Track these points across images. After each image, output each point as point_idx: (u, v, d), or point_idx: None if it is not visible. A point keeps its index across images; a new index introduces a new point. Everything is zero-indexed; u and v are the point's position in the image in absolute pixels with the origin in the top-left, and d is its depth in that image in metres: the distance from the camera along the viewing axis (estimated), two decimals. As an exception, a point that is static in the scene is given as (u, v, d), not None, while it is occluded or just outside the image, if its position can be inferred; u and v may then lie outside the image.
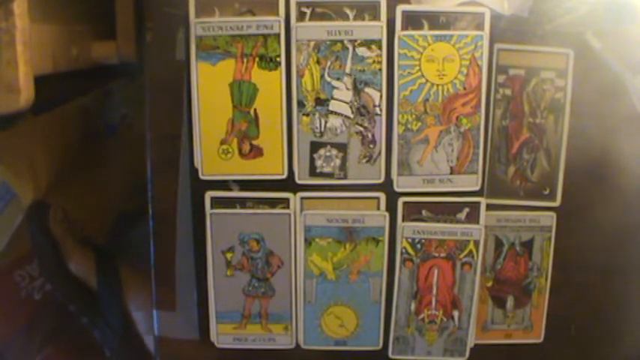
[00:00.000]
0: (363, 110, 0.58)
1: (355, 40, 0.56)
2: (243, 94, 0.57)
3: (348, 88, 0.57)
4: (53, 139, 0.73)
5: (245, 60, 0.57)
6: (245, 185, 0.59)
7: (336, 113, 0.58)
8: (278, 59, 0.57)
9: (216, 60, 0.57)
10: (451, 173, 0.59)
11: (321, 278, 0.60)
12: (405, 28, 0.56)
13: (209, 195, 0.59)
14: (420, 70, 0.57)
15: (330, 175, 0.59)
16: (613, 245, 0.63)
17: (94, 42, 0.65)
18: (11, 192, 0.67)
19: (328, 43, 0.56)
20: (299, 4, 0.56)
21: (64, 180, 0.74)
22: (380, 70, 0.57)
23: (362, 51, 0.57)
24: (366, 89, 0.57)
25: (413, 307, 0.61)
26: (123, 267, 0.72)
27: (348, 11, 0.56)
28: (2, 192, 0.67)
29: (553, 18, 0.59)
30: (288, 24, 0.56)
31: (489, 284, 0.63)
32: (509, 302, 0.63)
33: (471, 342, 0.62)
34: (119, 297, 0.70)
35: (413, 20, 0.57)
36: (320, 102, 0.58)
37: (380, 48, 0.57)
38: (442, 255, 0.60)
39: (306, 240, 0.59)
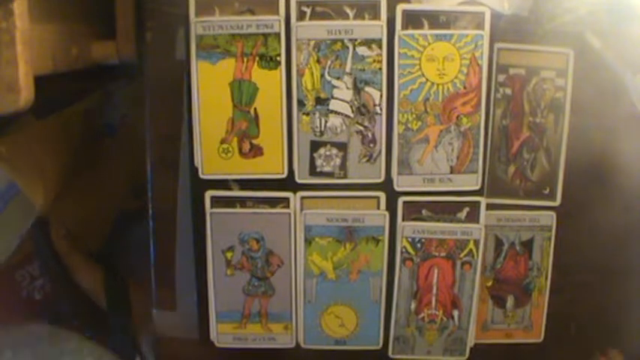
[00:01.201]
0: (363, 109, 0.58)
1: (355, 40, 0.56)
2: (243, 94, 0.57)
3: (348, 88, 0.57)
4: (59, 143, 0.73)
5: (245, 59, 0.57)
6: (245, 184, 0.59)
7: (336, 112, 0.58)
8: (278, 58, 0.57)
9: (217, 59, 0.57)
10: (451, 172, 0.59)
11: (321, 278, 0.60)
12: (405, 27, 0.57)
13: (209, 194, 0.59)
14: (420, 69, 0.57)
15: (330, 175, 0.59)
16: (613, 245, 0.63)
17: (94, 42, 0.65)
18: (14, 189, 0.67)
19: (328, 42, 0.57)
20: (299, 4, 0.56)
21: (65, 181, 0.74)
22: (380, 69, 0.57)
23: (362, 50, 0.57)
24: (367, 88, 0.57)
25: (413, 306, 0.61)
26: (131, 283, 0.72)
27: (348, 10, 0.56)
28: (8, 189, 0.67)
29: (553, 17, 0.59)
30: (289, 23, 0.56)
31: (489, 284, 0.63)
32: (509, 302, 0.63)
33: (470, 341, 0.62)
34: (127, 313, 0.70)
35: (413, 19, 0.57)
36: (320, 101, 0.58)
37: (380, 47, 0.57)
38: (442, 254, 0.60)
39: (306, 239, 0.59)
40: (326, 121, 0.58)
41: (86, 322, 0.71)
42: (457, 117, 0.58)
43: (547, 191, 0.62)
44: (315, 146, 0.58)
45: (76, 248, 0.72)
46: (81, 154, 0.78)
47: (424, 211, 0.59)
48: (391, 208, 0.59)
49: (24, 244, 0.71)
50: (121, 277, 0.73)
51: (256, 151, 0.58)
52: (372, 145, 0.58)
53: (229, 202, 0.59)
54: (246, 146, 0.58)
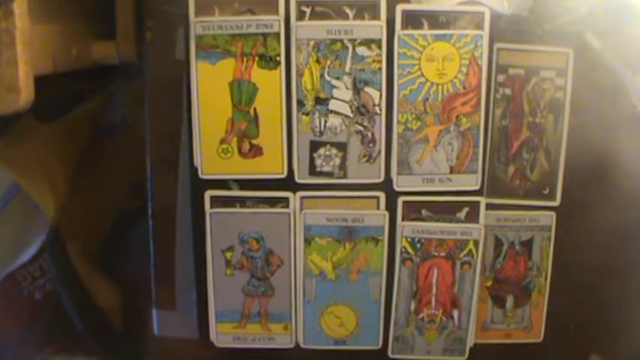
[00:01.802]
0: (362, 109, 0.58)
1: (355, 40, 0.56)
2: (242, 94, 0.57)
3: (347, 88, 0.57)
4: (65, 145, 0.73)
5: (245, 59, 0.57)
6: (245, 184, 0.59)
7: (335, 112, 0.58)
8: (278, 58, 0.57)
9: (216, 59, 0.57)
10: (451, 172, 0.59)
11: (321, 277, 0.60)
12: (404, 27, 0.57)
13: (209, 194, 0.59)
14: (419, 69, 0.57)
15: (329, 175, 0.59)
16: (613, 245, 0.63)
17: (94, 42, 0.65)
18: (14, 189, 0.67)
19: (328, 42, 0.57)
20: (299, 3, 0.56)
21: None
22: (380, 69, 0.57)
23: (362, 50, 0.57)
24: (366, 88, 0.57)
25: (412, 306, 0.61)
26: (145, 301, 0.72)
27: (347, 10, 0.56)
28: (8, 190, 0.68)
29: (553, 17, 0.59)
30: (288, 23, 0.56)
31: (489, 284, 0.63)
32: (509, 302, 0.63)
33: (470, 341, 0.62)
34: (142, 335, 0.70)
35: (413, 19, 0.57)
36: (320, 101, 0.58)
37: (380, 47, 0.57)
38: (442, 254, 0.60)
39: (305, 239, 0.59)
40: (325, 121, 0.58)
41: (99, 343, 0.71)
42: (457, 117, 0.58)
43: (547, 191, 0.62)
44: (314, 146, 0.58)
45: (95, 267, 0.72)
46: (82, 154, 0.78)
47: (424, 211, 0.59)
48: (391, 208, 0.59)
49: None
50: (139, 299, 0.72)
51: (256, 151, 0.58)
52: (371, 145, 0.58)
53: (229, 202, 0.59)
54: (246, 146, 0.58)
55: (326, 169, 0.59)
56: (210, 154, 0.58)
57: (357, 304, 0.61)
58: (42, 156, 0.69)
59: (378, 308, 0.61)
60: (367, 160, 0.58)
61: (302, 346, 0.62)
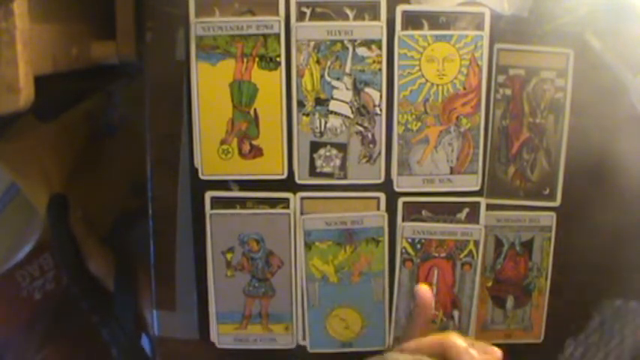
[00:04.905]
0: (363, 110, 0.58)
1: (355, 40, 0.56)
2: (243, 94, 0.57)
3: (348, 88, 0.57)
4: (62, 145, 0.73)
5: (245, 60, 0.57)
6: (245, 185, 0.59)
7: (336, 113, 0.58)
8: (278, 59, 0.57)
9: (216, 60, 0.57)
10: (451, 173, 0.59)
11: (324, 281, 0.60)
12: (405, 28, 0.57)
13: (209, 195, 0.59)
14: (420, 70, 0.57)
15: (330, 175, 0.59)
16: (613, 245, 0.63)
17: (94, 42, 0.65)
18: (13, 190, 0.67)
19: (328, 43, 0.57)
20: (299, 4, 0.56)
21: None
22: (380, 70, 0.57)
23: (362, 51, 0.57)
24: (366, 89, 0.57)
25: (413, 307, 0.61)
26: (140, 269, 0.72)
27: (348, 11, 0.56)
28: (7, 190, 0.68)
29: (553, 18, 0.59)
30: (288, 24, 0.56)
31: (489, 284, 0.63)
32: (509, 302, 0.63)
33: (470, 342, 0.62)
34: (134, 299, 0.70)
35: (413, 20, 0.57)
36: (320, 102, 0.58)
37: (380, 48, 0.57)
38: (442, 255, 0.60)
39: (306, 244, 0.59)
40: (326, 122, 0.58)
41: (94, 305, 0.71)
42: (457, 118, 0.58)
43: (547, 192, 0.62)
44: (314, 147, 0.58)
45: (91, 232, 0.72)
46: (81, 154, 0.78)
47: (424, 212, 0.59)
48: (391, 208, 0.59)
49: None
50: (130, 262, 0.73)
51: (256, 151, 0.58)
52: (371, 145, 0.58)
53: (229, 203, 0.59)
54: (246, 147, 0.58)
55: (326, 169, 0.58)
56: (211, 155, 0.58)
57: (362, 306, 0.61)
58: (39, 154, 0.69)
59: (382, 309, 0.61)
60: (367, 161, 0.58)
61: (309, 350, 0.62)
